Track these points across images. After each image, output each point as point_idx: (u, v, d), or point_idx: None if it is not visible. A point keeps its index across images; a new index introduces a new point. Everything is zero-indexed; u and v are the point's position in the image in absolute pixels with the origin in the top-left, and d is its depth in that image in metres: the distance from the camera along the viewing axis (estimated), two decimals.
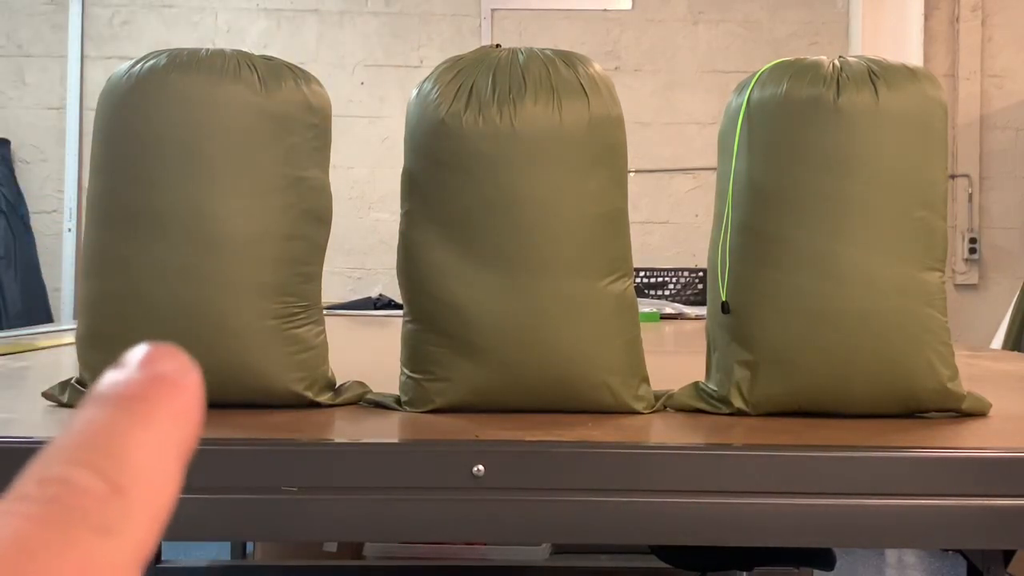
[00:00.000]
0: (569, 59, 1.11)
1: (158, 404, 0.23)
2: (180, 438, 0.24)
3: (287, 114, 1.09)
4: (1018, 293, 3.90)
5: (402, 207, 1.13)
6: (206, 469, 0.92)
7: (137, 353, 0.24)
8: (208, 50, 1.10)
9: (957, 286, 4.70)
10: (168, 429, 0.23)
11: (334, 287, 4.55)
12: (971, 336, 4.27)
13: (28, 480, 0.22)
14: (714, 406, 1.12)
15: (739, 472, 0.92)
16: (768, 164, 1.10)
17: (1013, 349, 3.63)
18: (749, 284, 1.11)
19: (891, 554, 4.05)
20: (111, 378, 0.24)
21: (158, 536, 0.23)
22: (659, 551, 2.00)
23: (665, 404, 1.13)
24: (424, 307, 1.10)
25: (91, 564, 0.21)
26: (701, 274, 4.04)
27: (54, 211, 4.78)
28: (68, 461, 0.22)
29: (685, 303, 3.65)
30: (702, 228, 4.74)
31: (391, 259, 1.23)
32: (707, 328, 1.18)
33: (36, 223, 4.77)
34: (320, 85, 1.14)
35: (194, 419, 0.24)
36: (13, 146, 4.76)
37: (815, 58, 1.12)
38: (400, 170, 1.14)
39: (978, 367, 1.67)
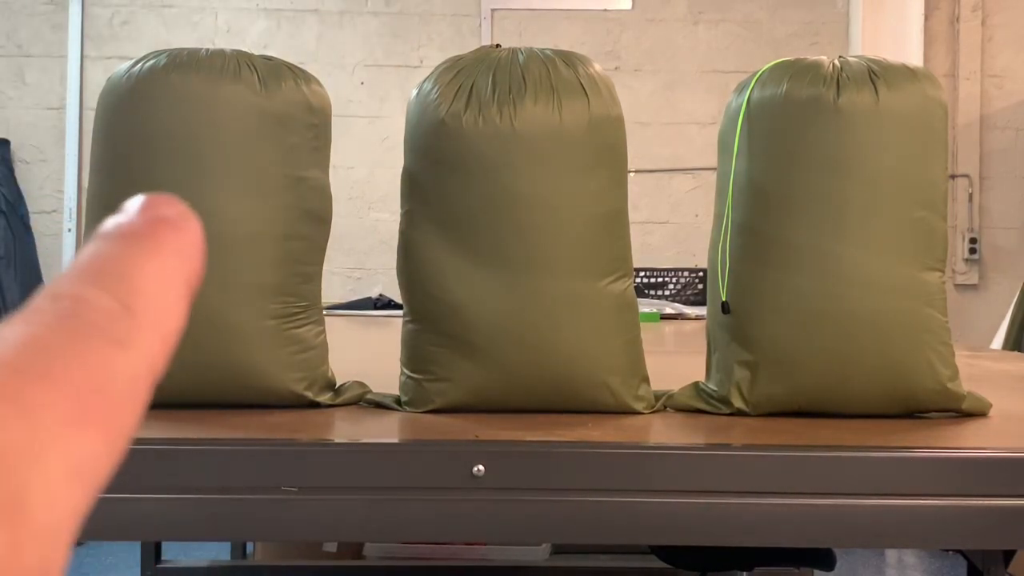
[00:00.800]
0: (569, 59, 1.11)
1: (163, 240, 0.24)
2: (185, 271, 0.24)
3: (287, 114, 1.09)
4: (1018, 293, 3.90)
5: (402, 207, 1.13)
6: (206, 469, 0.92)
7: (136, 200, 0.25)
8: (208, 50, 1.10)
9: (957, 286, 4.70)
10: (173, 262, 0.24)
11: (334, 287, 4.55)
12: (971, 336, 4.27)
13: (41, 297, 0.22)
14: (714, 406, 1.12)
15: (739, 472, 0.92)
16: (768, 164, 1.10)
17: (1013, 349, 3.63)
18: (749, 284, 1.11)
19: (891, 554, 4.05)
20: (114, 219, 0.24)
21: (166, 361, 0.23)
22: (659, 551, 2.00)
23: (665, 404, 1.13)
24: (424, 307, 1.10)
25: (106, 370, 0.21)
26: (701, 274, 4.04)
27: (54, 211, 4.78)
28: (80, 282, 0.22)
29: (685, 303, 3.65)
30: (702, 228, 4.74)
31: (391, 259, 1.23)
32: (707, 328, 1.18)
33: (36, 223, 4.77)
34: (320, 85, 1.14)
35: (197, 257, 0.25)
36: (13, 146, 4.76)
37: (815, 58, 1.12)
38: (400, 170, 1.14)
39: (978, 367, 1.67)
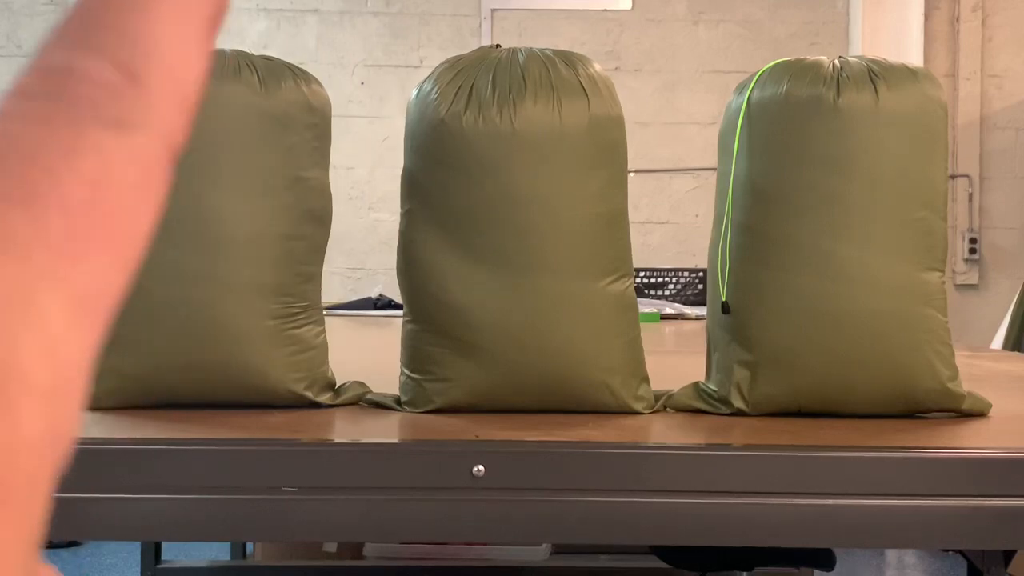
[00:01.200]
0: (569, 59, 1.11)
1: None
2: (206, 3, 0.20)
3: (287, 114, 1.09)
4: (1018, 293, 3.90)
5: (402, 207, 1.13)
6: (206, 469, 0.92)
7: None
8: None
9: (957, 286, 4.70)
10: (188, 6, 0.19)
11: (334, 287, 4.55)
12: (971, 336, 4.27)
13: (29, 73, 0.18)
14: (714, 406, 1.12)
15: (739, 472, 0.92)
16: (768, 164, 1.10)
17: (1013, 349, 3.63)
18: (749, 284, 1.11)
19: (891, 554, 4.05)
20: None
21: (188, 128, 0.20)
22: (659, 551, 2.00)
23: (665, 404, 1.13)
24: (424, 307, 1.10)
25: (107, 169, 0.18)
26: (701, 274, 4.04)
27: None
28: (72, 46, 0.18)
29: (685, 303, 3.64)
30: (702, 228, 4.74)
31: (391, 259, 1.23)
32: (707, 328, 1.18)
33: None
34: (320, 85, 1.14)
35: None
36: None
37: (815, 58, 1.12)
38: (400, 170, 1.14)
39: (978, 367, 1.67)
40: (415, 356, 1.11)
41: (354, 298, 3.50)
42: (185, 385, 1.07)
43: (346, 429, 1.07)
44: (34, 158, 0.17)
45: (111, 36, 0.18)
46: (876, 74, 1.08)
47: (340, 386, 1.15)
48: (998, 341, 3.88)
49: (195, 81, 0.19)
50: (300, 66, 1.15)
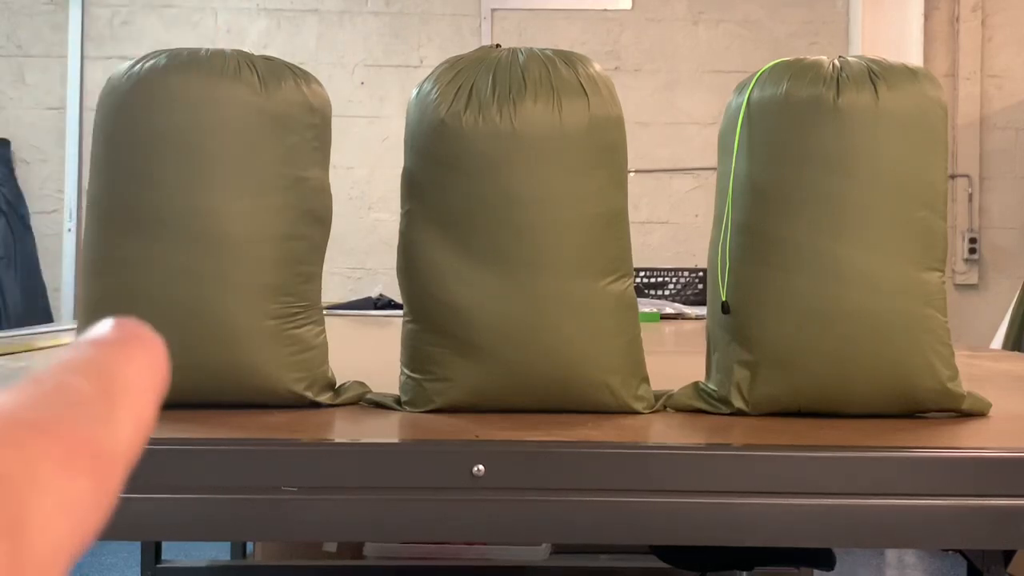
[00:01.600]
0: (569, 59, 1.11)
1: (136, 349, 0.26)
2: (155, 379, 0.26)
3: (287, 114, 1.09)
4: (1018, 293, 3.90)
5: (402, 207, 1.13)
6: (206, 469, 0.92)
7: (108, 320, 0.27)
8: (208, 50, 1.10)
9: (957, 286, 4.70)
10: (146, 368, 0.26)
11: (334, 287, 4.55)
12: (971, 336, 4.27)
13: (24, 381, 0.23)
14: (714, 406, 1.12)
15: (739, 472, 0.92)
16: (768, 164, 1.10)
17: (1013, 349, 3.63)
18: (749, 284, 1.11)
19: (891, 554, 4.05)
20: (91, 332, 0.26)
21: (139, 453, 0.25)
22: (659, 551, 2.00)
23: (665, 404, 1.13)
24: (424, 307, 1.10)
25: (91, 442, 0.22)
26: (701, 274, 4.04)
27: (54, 211, 4.78)
28: (63, 371, 0.24)
29: (685, 303, 3.64)
30: (702, 228, 4.74)
31: (391, 259, 1.23)
32: (707, 328, 1.18)
33: (36, 223, 4.77)
34: (320, 85, 1.14)
35: (164, 370, 0.26)
36: (13, 146, 4.76)
37: (815, 58, 1.12)
38: (400, 170, 1.14)
39: (978, 367, 1.67)
40: (415, 356, 1.11)
41: (354, 298, 3.50)
42: (185, 385, 1.07)
43: (346, 429, 1.07)
44: (44, 410, 0.22)
45: (93, 371, 0.24)
46: (876, 74, 1.08)
47: (340, 386, 1.15)
48: (998, 341, 3.88)
49: (147, 423, 0.25)
50: (300, 66, 1.15)
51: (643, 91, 4.79)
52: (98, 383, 0.24)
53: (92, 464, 0.22)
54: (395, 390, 1.13)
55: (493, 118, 1.05)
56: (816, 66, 1.10)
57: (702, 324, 1.63)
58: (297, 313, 1.11)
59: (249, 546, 2.91)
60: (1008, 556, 1.96)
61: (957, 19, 4.74)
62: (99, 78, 4.66)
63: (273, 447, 0.94)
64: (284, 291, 1.09)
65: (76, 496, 0.22)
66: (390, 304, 3.26)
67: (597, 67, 1.12)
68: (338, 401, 1.13)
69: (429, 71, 1.13)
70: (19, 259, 4.65)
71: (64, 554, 0.21)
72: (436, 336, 1.09)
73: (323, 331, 1.14)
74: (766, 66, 1.13)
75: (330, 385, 1.14)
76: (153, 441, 0.94)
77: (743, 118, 1.11)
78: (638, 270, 3.92)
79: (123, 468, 0.24)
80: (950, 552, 3.70)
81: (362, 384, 1.17)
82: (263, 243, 1.08)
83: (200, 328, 1.06)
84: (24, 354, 1.73)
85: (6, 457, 0.21)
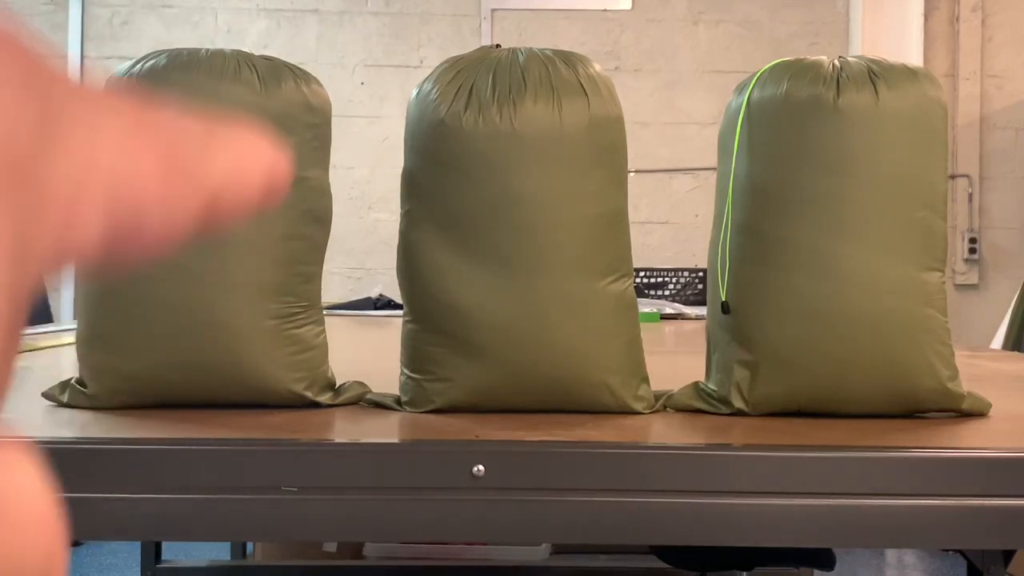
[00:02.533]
0: (569, 59, 1.11)
1: (255, 159, 0.26)
2: (260, 172, 0.26)
3: (287, 114, 1.09)
4: (1018, 293, 3.90)
5: (402, 207, 1.13)
6: (206, 469, 0.92)
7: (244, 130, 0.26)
8: (208, 50, 1.10)
9: (957, 286, 4.70)
10: (255, 160, 0.26)
11: (334, 287, 4.55)
12: (971, 336, 4.27)
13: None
14: (714, 406, 1.12)
15: (739, 472, 0.92)
16: (768, 164, 1.10)
17: (1013, 349, 3.63)
18: (749, 284, 1.11)
19: (891, 554, 4.05)
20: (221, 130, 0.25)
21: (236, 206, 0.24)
22: (659, 551, 2.00)
23: (665, 404, 1.13)
24: (424, 307, 1.10)
25: (171, 138, 0.23)
26: (701, 274, 4.03)
27: None
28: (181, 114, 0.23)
29: (685, 303, 3.64)
30: (702, 228, 4.74)
31: (391, 259, 1.23)
32: (707, 328, 1.18)
33: None
34: (320, 85, 1.14)
35: (270, 175, 0.26)
36: None
37: (815, 58, 1.12)
38: (400, 170, 1.14)
39: (978, 367, 1.67)
40: (415, 356, 1.11)
41: (354, 298, 3.50)
42: (185, 385, 1.07)
43: (346, 429, 1.07)
44: None
45: None
46: (876, 74, 1.08)
47: (340, 386, 1.15)
48: (998, 341, 3.88)
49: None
50: (300, 66, 1.15)
51: (643, 91, 4.79)
52: (206, 128, 0.24)
53: (158, 149, 0.22)
54: (395, 390, 1.13)
55: (493, 118, 1.05)
56: (816, 66, 1.10)
57: (702, 324, 1.63)
58: (297, 313, 1.11)
59: (249, 546, 2.91)
60: (1008, 556, 1.96)
61: (957, 19, 4.74)
62: (99, 78, 4.66)
63: (273, 447, 0.94)
64: (284, 291, 1.09)
65: (128, 161, 0.21)
66: (390, 304, 3.26)
67: (597, 67, 1.12)
68: (338, 401, 1.13)
69: (429, 71, 1.13)
70: None
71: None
72: (436, 336, 1.09)
73: (323, 331, 1.14)
74: (766, 66, 1.13)
75: (330, 385, 1.14)
76: (153, 441, 0.95)
77: (743, 118, 1.11)
78: (638, 270, 3.92)
79: (200, 194, 0.23)
80: (950, 552, 3.70)
81: (362, 384, 1.17)
82: (263, 243, 1.08)
83: (200, 328, 1.06)
84: (24, 354, 1.73)
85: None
